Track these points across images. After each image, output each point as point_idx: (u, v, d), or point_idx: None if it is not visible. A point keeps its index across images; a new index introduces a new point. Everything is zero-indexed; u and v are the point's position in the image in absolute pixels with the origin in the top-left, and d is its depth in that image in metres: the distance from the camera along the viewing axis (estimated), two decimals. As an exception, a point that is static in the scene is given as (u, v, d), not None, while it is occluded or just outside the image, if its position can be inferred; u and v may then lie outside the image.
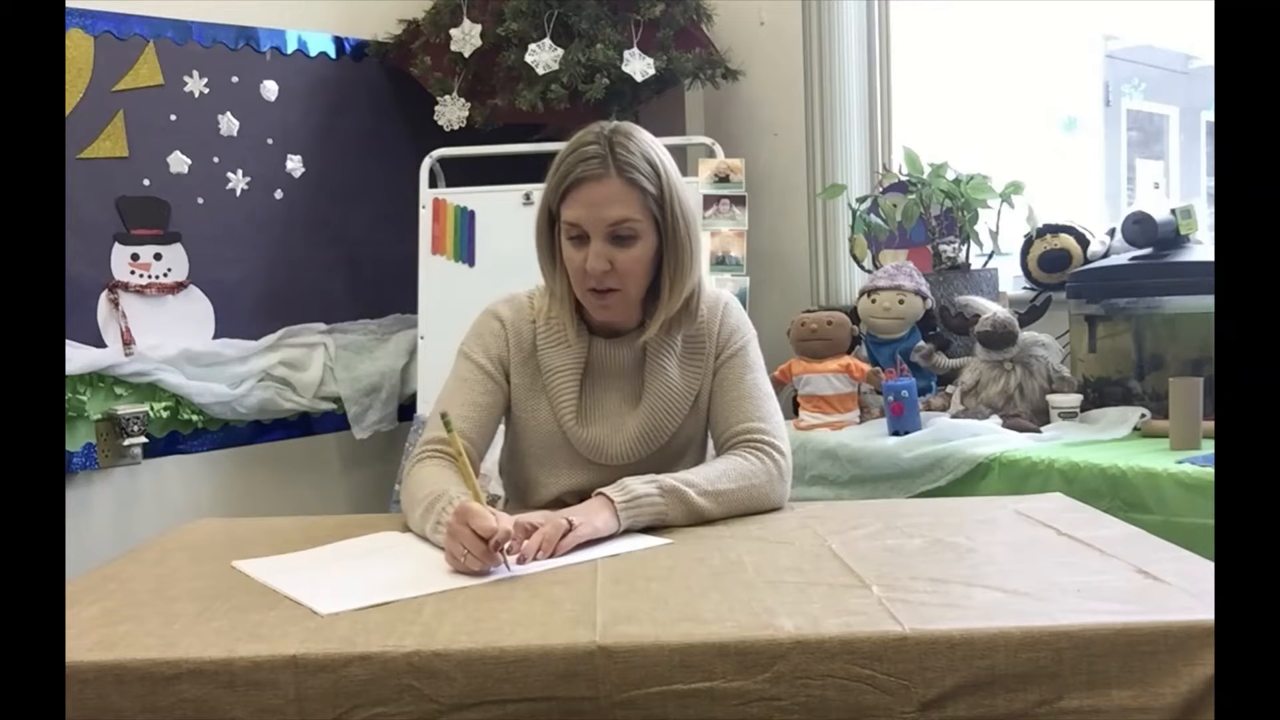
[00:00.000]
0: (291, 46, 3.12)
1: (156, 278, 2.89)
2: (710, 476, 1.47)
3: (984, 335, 2.32)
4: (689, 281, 1.54)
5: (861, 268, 2.86)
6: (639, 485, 1.41)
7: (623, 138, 1.50)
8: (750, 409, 1.57)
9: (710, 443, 1.66)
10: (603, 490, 1.41)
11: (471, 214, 2.95)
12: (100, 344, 2.78)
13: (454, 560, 1.22)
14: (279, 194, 3.11)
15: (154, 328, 2.86)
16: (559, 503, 1.57)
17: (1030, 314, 2.36)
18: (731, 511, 1.46)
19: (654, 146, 1.53)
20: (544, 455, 1.59)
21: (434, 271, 2.96)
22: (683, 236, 1.52)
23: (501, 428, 1.66)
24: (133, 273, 2.85)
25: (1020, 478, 1.99)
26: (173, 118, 2.90)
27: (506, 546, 1.22)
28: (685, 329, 1.59)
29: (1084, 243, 2.60)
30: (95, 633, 1.03)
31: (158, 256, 2.90)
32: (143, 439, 2.84)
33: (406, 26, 3.21)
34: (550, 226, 1.54)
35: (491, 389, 1.57)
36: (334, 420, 3.20)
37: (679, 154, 3.27)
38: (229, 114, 3.00)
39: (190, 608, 1.11)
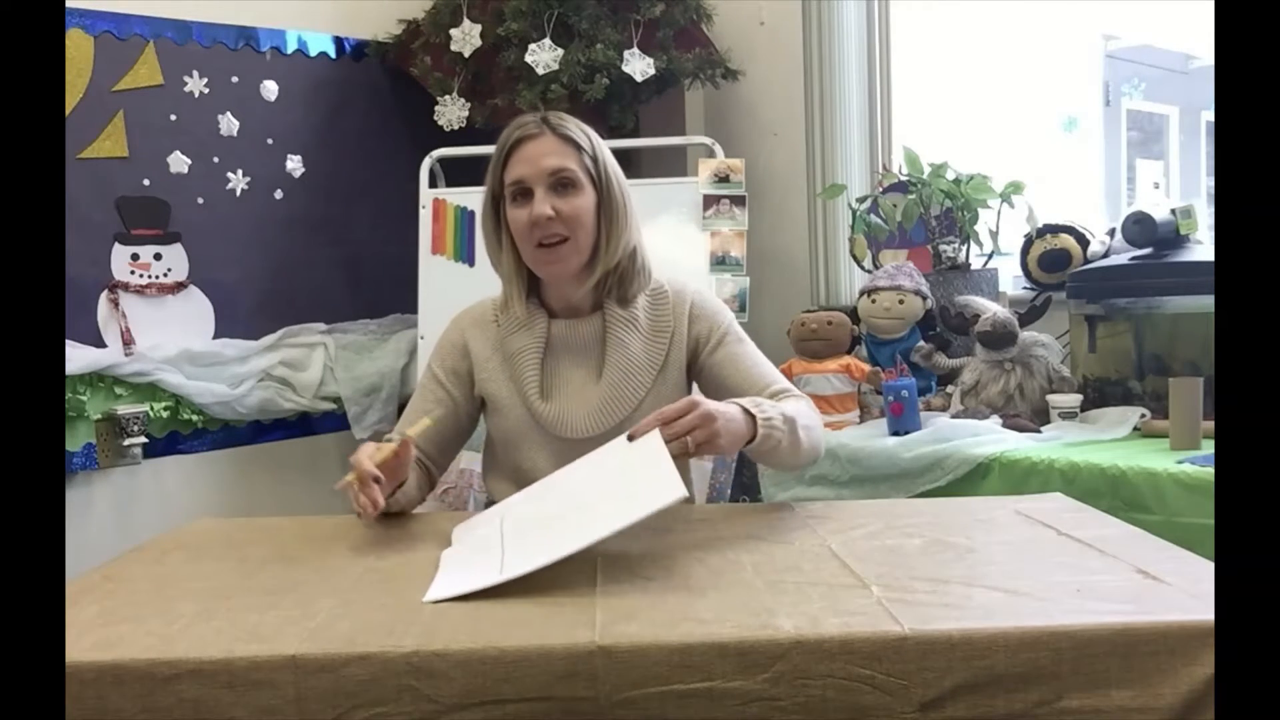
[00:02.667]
0: (291, 46, 3.12)
1: (156, 278, 2.89)
2: (803, 411, 1.54)
3: (984, 335, 2.32)
4: (625, 234, 1.62)
5: (861, 268, 2.86)
6: (770, 409, 1.45)
7: (554, 114, 1.64)
8: (768, 373, 1.66)
9: None
10: (742, 405, 1.43)
11: (471, 214, 2.95)
12: (100, 344, 2.79)
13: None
14: (279, 194, 3.11)
15: (154, 328, 2.86)
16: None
17: (1030, 314, 2.36)
18: (806, 448, 1.52)
19: (583, 124, 1.65)
20: (517, 438, 1.64)
21: (434, 271, 2.96)
22: (617, 193, 1.62)
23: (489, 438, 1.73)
24: (133, 273, 2.85)
25: (1020, 478, 1.98)
26: (173, 118, 2.90)
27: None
28: (641, 297, 1.65)
29: (1084, 243, 2.60)
30: (95, 633, 1.03)
31: (158, 256, 2.90)
32: (143, 439, 2.84)
33: (406, 26, 3.21)
34: (495, 212, 1.64)
35: (441, 398, 1.68)
36: (334, 420, 3.20)
37: (679, 154, 3.28)
38: (229, 114, 3.00)
39: (190, 608, 1.11)
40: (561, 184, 1.57)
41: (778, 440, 1.44)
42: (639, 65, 2.88)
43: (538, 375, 1.62)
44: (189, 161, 2.93)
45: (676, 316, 1.65)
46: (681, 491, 1.17)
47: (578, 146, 1.60)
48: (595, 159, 1.61)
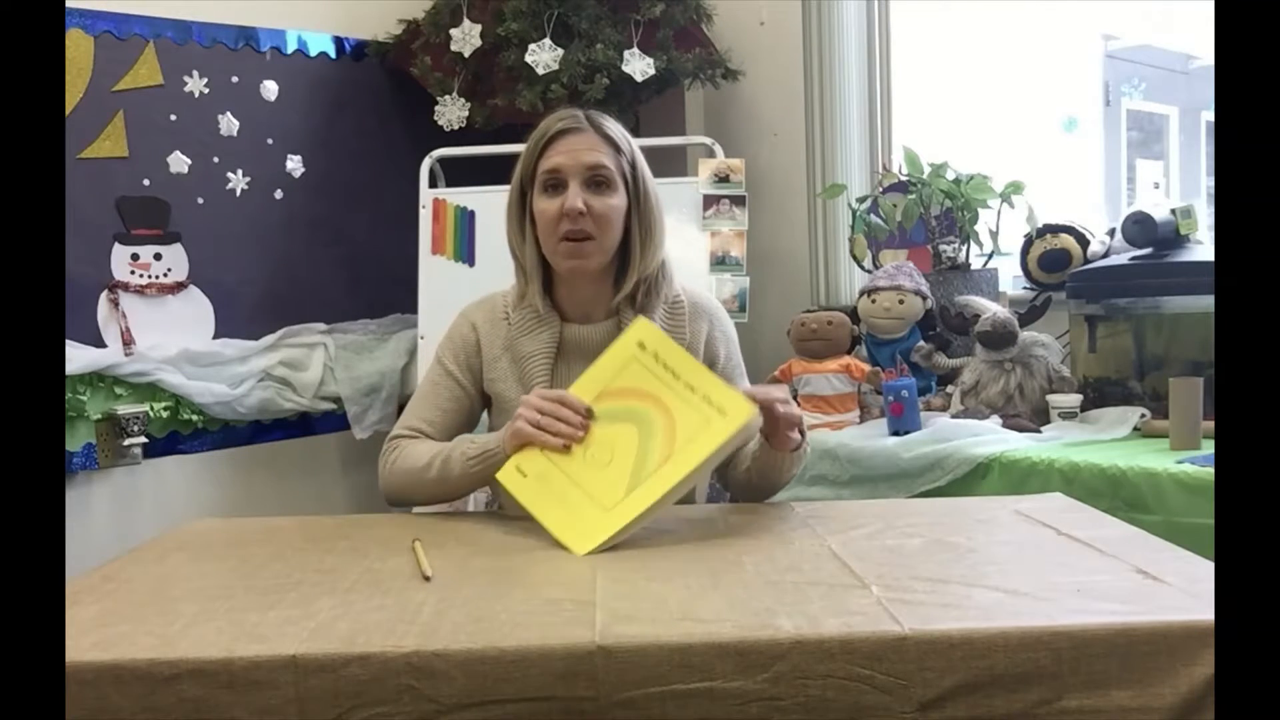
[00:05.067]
0: (291, 46, 3.12)
1: (156, 278, 2.89)
2: None
3: (984, 335, 2.32)
4: (658, 249, 1.62)
5: (861, 268, 2.86)
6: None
7: (596, 112, 1.62)
8: None
9: None
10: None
11: (471, 214, 2.95)
12: (100, 344, 2.78)
13: (541, 429, 1.38)
14: (279, 194, 3.11)
15: (154, 328, 2.86)
16: None
17: (1030, 314, 2.37)
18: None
19: (624, 128, 1.63)
20: None
21: (434, 271, 2.96)
22: (652, 204, 1.61)
23: None
24: (133, 273, 2.85)
25: (1020, 478, 1.99)
26: (173, 118, 2.90)
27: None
28: (657, 310, 1.63)
29: (1084, 243, 2.60)
30: (95, 633, 1.03)
31: (158, 256, 2.90)
32: (143, 439, 2.83)
33: (406, 26, 3.21)
34: (521, 201, 1.61)
35: (458, 394, 1.64)
36: (334, 420, 3.20)
37: (679, 154, 3.28)
38: (229, 114, 3.00)
39: (190, 608, 1.11)
40: (596, 181, 1.55)
41: (801, 464, 1.56)
42: (639, 65, 2.88)
43: (548, 381, 1.59)
44: (189, 161, 2.93)
45: (694, 331, 1.64)
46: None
47: (617, 148, 1.58)
48: (633, 164, 1.60)
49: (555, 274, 1.62)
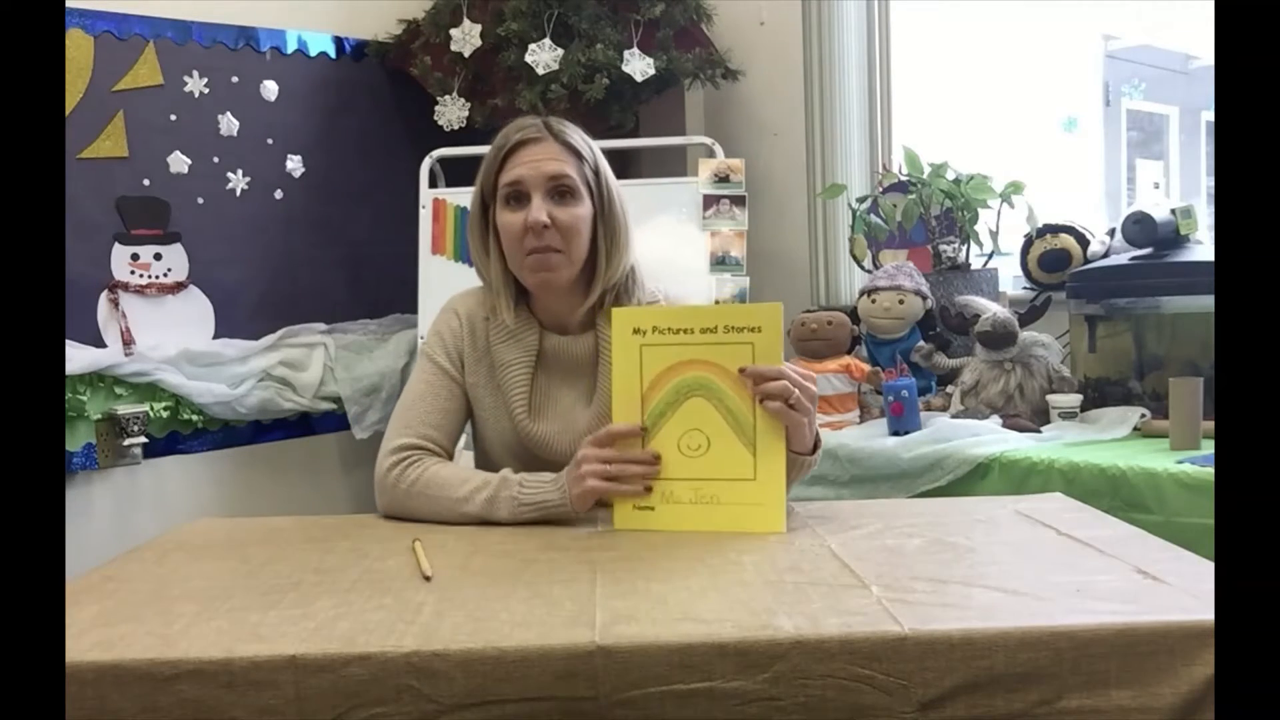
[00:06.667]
0: (291, 46, 3.12)
1: (156, 278, 2.89)
2: None
3: (984, 335, 2.32)
4: (624, 255, 1.57)
5: (861, 268, 2.86)
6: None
7: (555, 119, 1.58)
8: None
9: None
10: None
11: (472, 214, 2.95)
12: (100, 344, 2.79)
13: (615, 480, 1.36)
14: (279, 194, 3.11)
15: (154, 328, 2.86)
16: None
17: (1030, 314, 2.37)
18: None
19: (585, 133, 1.60)
20: (502, 453, 1.58)
21: (434, 271, 2.96)
22: (617, 210, 1.57)
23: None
24: (133, 273, 2.85)
25: (1020, 478, 1.99)
26: (173, 118, 2.91)
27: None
28: None
29: (1084, 243, 2.60)
30: (95, 633, 1.03)
31: (158, 256, 2.90)
32: (143, 439, 2.84)
33: (406, 26, 3.21)
34: (484, 215, 1.58)
35: (456, 393, 1.60)
36: (334, 420, 3.20)
37: (679, 154, 3.28)
38: (229, 114, 3.00)
39: (190, 608, 1.11)
40: (560, 191, 1.51)
41: (807, 473, 1.47)
42: (639, 65, 2.88)
43: (526, 393, 1.55)
44: (189, 161, 2.93)
45: None
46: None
47: (579, 156, 1.54)
48: (596, 171, 1.55)
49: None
